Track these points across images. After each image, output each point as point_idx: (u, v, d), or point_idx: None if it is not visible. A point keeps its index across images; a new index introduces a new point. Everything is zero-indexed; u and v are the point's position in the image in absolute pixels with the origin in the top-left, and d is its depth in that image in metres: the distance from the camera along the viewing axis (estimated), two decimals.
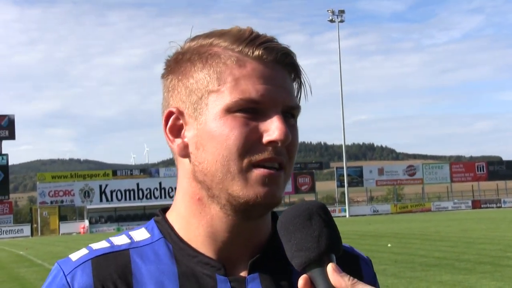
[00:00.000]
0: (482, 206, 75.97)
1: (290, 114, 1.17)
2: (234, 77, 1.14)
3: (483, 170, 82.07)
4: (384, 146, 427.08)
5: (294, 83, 1.20)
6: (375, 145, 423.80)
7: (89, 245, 1.22)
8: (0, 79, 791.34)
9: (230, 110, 1.13)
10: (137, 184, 71.40)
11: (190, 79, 1.18)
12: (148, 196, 71.25)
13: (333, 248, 1.03)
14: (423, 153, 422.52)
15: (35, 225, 67.81)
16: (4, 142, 68.84)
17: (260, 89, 1.13)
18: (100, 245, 1.21)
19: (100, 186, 70.47)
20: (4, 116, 68.15)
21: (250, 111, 1.13)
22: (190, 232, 1.20)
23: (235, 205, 1.14)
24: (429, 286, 12.99)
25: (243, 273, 1.19)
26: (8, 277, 19.51)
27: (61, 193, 68.91)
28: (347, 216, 71.01)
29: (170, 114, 1.20)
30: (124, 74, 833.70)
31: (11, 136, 68.16)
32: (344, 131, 75.99)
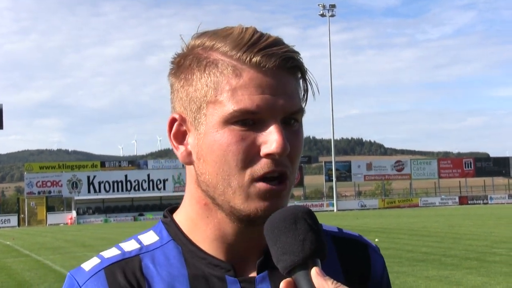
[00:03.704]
0: (469, 202, 76.30)
1: (293, 119, 1.15)
2: (231, 87, 1.11)
3: (471, 167, 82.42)
4: (372, 141, 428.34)
5: (299, 84, 1.17)
6: (364, 140, 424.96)
7: (100, 253, 1.22)
8: None
9: (227, 122, 1.11)
10: (125, 176, 71.21)
11: (190, 87, 1.15)
12: (136, 187, 71.08)
13: (317, 252, 1.03)
14: (411, 148, 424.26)
15: (22, 216, 67.56)
16: None
17: (256, 99, 1.10)
18: (111, 253, 1.21)
19: (88, 177, 70.25)
20: None
21: (247, 122, 1.11)
22: (199, 234, 1.20)
23: (238, 216, 1.14)
24: (416, 281, 13.06)
25: (253, 274, 1.19)
26: None
27: (48, 184, 68.66)
28: (335, 210, 71.15)
29: (173, 120, 1.19)
30: (116, 65, 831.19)
31: None
32: (333, 125, 76.13)
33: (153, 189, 70.79)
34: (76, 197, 68.89)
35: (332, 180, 75.67)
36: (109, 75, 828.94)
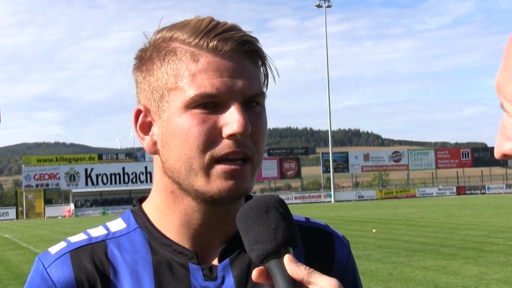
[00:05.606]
0: (467, 192, 76.38)
1: (254, 102, 1.18)
2: (190, 73, 1.14)
3: (468, 157, 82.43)
4: (370, 132, 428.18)
5: (259, 69, 1.20)
6: (361, 130, 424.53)
7: (67, 238, 1.25)
8: None
9: (188, 106, 1.14)
10: (123, 168, 71.21)
11: (152, 77, 1.19)
12: (134, 180, 71.12)
13: (290, 240, 1.05)
14: (408, 139, 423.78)
15: (20, 208, 67.61)
16: None
17: (215, 82, 1.13)
18: (78, 237, 1.25)
19: (86, 170, 70.21)
20: None
21: (208, 105, 1.14)
22: (165, 221, 1.23)
23: (203, 198, 1.17)
24: (413, 271, 13.10)
25: (215, 262, 1.23)
26: None
27: (46, 177, 68.62)
28: (333, 201, 71.24)
29: (138, 112, 1.23)
30: (114, 57, 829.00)
31: None
32: (330, 116, 76.13)
33: (151, 181, 70.48)
34: (74, 190, 68.84)
35: (329, 171, 75.75)
36: (106, 68, 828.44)
